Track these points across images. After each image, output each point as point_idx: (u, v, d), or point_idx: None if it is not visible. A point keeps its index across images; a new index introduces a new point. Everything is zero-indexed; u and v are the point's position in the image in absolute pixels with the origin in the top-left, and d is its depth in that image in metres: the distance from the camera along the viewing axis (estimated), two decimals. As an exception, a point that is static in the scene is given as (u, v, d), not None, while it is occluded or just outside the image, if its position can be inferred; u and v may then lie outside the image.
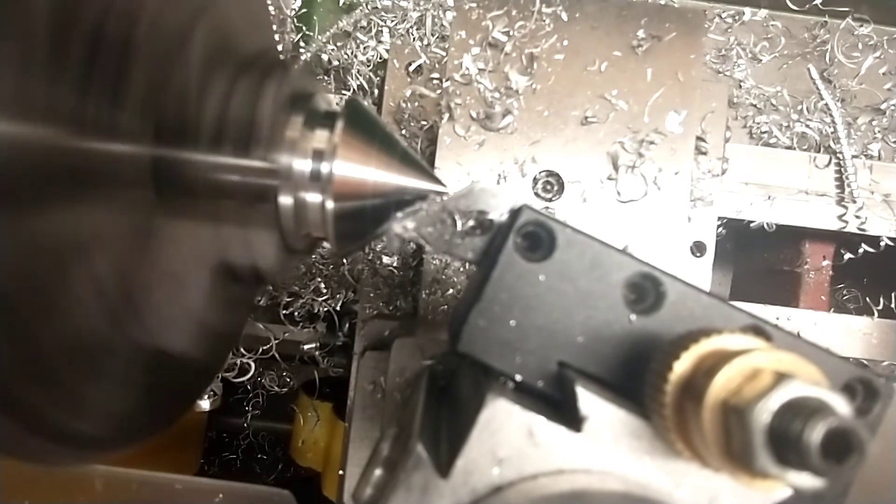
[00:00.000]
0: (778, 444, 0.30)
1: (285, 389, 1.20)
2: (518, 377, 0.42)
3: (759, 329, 0.41)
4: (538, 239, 0.43)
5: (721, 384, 0.33)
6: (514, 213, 0.43)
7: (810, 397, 0.30)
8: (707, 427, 0.33)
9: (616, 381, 0.41)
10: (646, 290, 0.42)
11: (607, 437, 0.37)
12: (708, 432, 0.33)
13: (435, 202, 0.49)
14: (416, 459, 0.37)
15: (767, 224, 0.86)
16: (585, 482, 0.37)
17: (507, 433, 0.37)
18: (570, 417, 0.38)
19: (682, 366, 0.35)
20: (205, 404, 1.11)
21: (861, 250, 0.88)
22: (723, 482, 0.37)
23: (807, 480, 0.30)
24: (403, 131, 0.82)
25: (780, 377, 0.31)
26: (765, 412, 0.30)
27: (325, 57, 1.01)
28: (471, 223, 0.47)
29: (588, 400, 0.38)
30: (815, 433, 0.29)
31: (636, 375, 0.39)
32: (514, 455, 0.37)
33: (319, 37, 1.01)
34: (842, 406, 0.30)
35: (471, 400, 0.41)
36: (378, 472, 0.42)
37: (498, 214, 0.47)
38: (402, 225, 0.49)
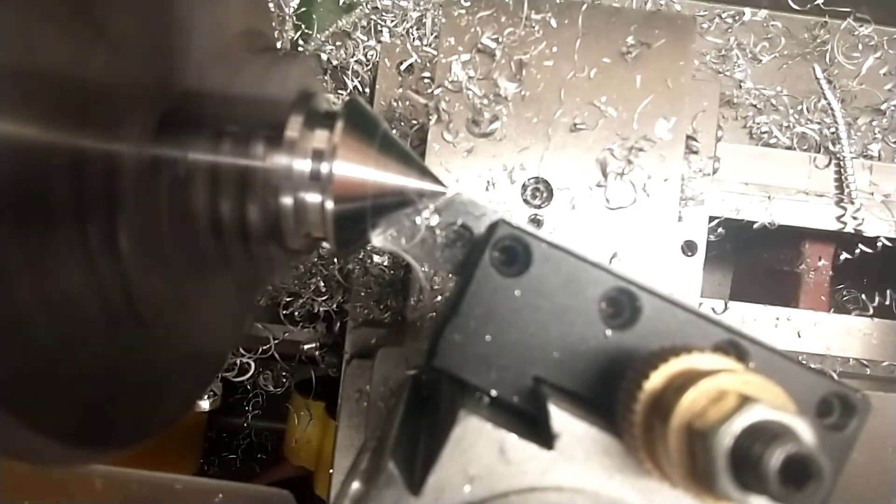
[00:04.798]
0: (739, 467, 0.30)
1: (283, 389, 1.20)
2: (493, 392, 0.42)
3: (735, 344, 0.41)
4: (514, 253, 0.42)
5: (686, 406, 0.33)
6: (491, 228, 0.43)
7: (773, 421, 0.30)
8: (672, 448, 0.33)
9: (591, 397, 0.41)
10: (622, 305, 0.42)
11: (579, 454, 0.37)
12: (673, 453, 0.33)
13: (416, 212, 0.49)
14: (387, 477, 0.37)
15: (768, 224, 0.85)
16: (556, 500, 0.37)
17: (478, 450, 0.37)
18: (542, 434, 0.38)
19: (652, 385, 0.35)
20: (205, 404, 1.11)
21: (858, 250, 0.88)
22: (693, 501, 0.37)
23: (767, 505, 0.30)
24: (394, 130, 0.82)
25: (744, 400, 0.31)
26: (727, 436, 0.30)
27: (324, 56, 1.01)
28: (450, 235, 0.47)
29: (560, 417, 0.38)
30: (775, 458, 0.29)
31: (611, 391, 0.39)
32: (486, 473, 0.37)
33: (318, 36, 1.01)
34: (804, 431, 0.30)
35: (447, 415, 0.41)
36: (356, 485, 0.42)
37: (479, 226, 0.47)
38: (382, 235, 0.49)
